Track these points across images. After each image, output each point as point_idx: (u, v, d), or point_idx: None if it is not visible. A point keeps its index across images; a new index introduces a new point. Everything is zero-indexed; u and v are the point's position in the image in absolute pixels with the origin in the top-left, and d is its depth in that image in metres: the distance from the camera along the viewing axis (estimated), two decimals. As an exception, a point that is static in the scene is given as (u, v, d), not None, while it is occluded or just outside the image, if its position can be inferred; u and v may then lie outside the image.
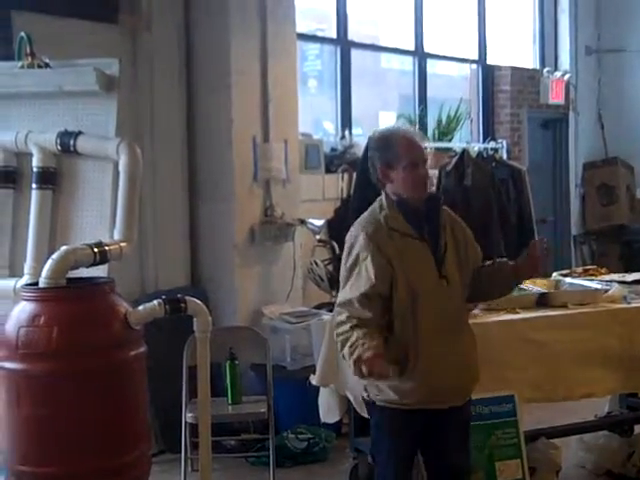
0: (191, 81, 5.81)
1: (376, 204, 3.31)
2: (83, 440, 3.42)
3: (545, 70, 9.40)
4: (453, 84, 9.10)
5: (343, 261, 3.29)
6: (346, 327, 3.15)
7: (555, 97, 9.32)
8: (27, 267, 4.04)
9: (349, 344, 3.11)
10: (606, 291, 4.54)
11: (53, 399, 3.41)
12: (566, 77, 9.49)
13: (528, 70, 9.33)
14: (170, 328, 4.70)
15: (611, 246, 9.52)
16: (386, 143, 3.27)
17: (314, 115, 7.41)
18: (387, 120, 8.18)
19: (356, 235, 3.23)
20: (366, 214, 3.32)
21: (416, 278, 3.19)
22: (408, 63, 8.40)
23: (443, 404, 3.26)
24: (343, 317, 3.18)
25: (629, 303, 4.50)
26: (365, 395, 3.38)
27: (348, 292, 3.21)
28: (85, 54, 4.40)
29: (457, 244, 3.32)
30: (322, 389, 4.67)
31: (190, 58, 5.80)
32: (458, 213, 3.47)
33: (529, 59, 9.73)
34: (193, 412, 4.46)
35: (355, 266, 3.19)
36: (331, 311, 5.20)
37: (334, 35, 7.43)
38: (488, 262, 3.44)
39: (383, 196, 3.30)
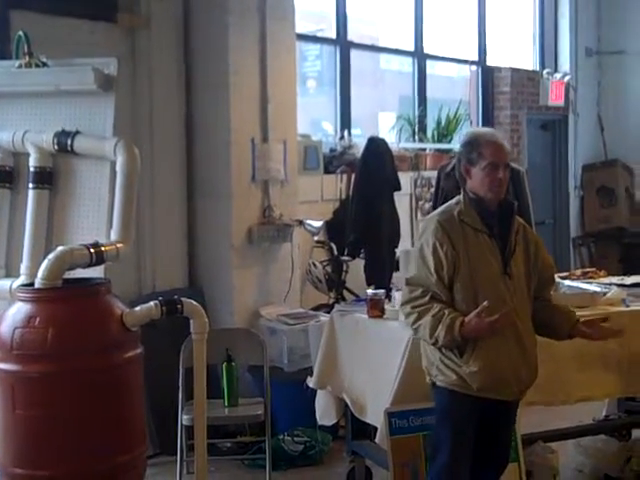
0: (190, 81, 5.78)
1: (453, 200, 3.50)
2: (78, 442, 3.41)
3: (545, 72, 9.40)
4: (453, 85, 9.08)
5: (415, 246, 3.57)
6: (425, 299, 3.33)
7: (555, 99, 9.32)
8: (23, 267, 4.03)
9: (432, 313, 3.29)
10: (605, 294, 4.52)
11: (48, 400, 3.39)
12: (566, 79, 9.48)
13: (528, 71, 9.32)
14: (167, 329, 4.68)
15: (610, 248, 9.51)
16: (472, 141, 3.46)
17: (313, 116, 7.39)
18: (386, 121, 8.18)
19: (428, 224, 3.46)
20: (442, 207, 3.53)
21: (479, 269, 3.35)
22: (407, 64, 8.39)
23: (503, 395, 3.40)
24: (418, 292, 3.36)
25: (628, 306, 4.48)
26: (427, 378, 3.51)
27: (418, 272, 3.40)
28: (83, 53, 4.39)
29: (527, 251, 3.48)
30: (319, 391, 4.66)
31: (189, 58, 5.77)
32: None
33: (529, 60, 9.73)
34: (189, 414, 4.44)
35: (424, 249, 3.39)
36: (328, 312, 5.20)
37: (334, 36, 7.41)
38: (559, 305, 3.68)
39: (463, 191, 3.47)
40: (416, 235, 7.33)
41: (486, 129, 3.82)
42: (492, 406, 3.41)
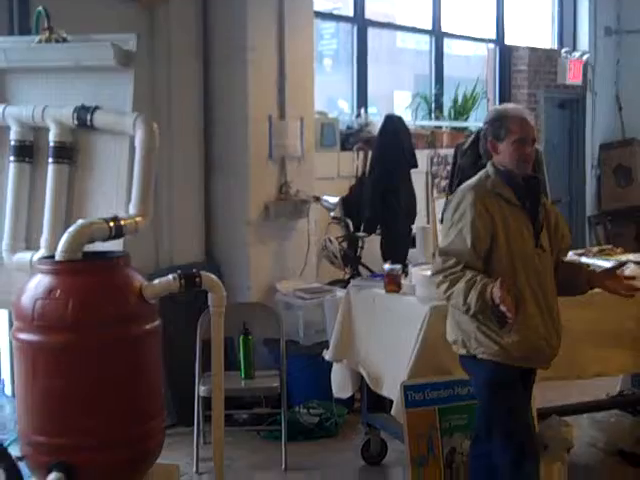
0: (208, 57, 5.81)
1: (483, 173, 3.50)
2: (97, 411, 3.44)
3: (563, 50, 9.34)
4: (469, 64, 9.05)
5: (448, 216, 3.47)
6: (457, 268, 3.32)
7: (573, 77, 9.27)
8: (43, 240, 4.06)
9: (466, 279, 3.28)
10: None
11: (68, 371, 3.42)
12: (584, 57, 9.43)
13: (546, 50, 9.28)
14: (185, 302, 4.73)
15: (626, 227, 9.49)
16: (500, 117, 3.47)
17: (329, 94, 7.40)
18: (401, 99, 8.17)
19: (463, 195, 3.42)
20: (473, 180, 3.51)
21: (515, 242, 3.38)
22: (423, 43, 8.37)
23: (539, 363, 3.50)
24: (452, 262, 3.34)
25: (644, 283, 4.49)
26: (463, 351, 3.48)
27: (454, 242, 3.37)
28: (102, 29, 4.40)
29: (549, 226, 3.53)
30: (335, 364, 4.70)
31: (207, 34, 5.79)
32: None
33: (547, 39, 9.67)
34: (206, 385, 4.50)
35: (462, 220, 3.37)
36: (344, 288, 5.24)
37: (351, 13, 7.40)
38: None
39: (490, 165, 3.49)
40: (431, 211, 7.35)
41: (512, 105, 3.80)
42: (523, 375, 3.48)
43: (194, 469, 4.63)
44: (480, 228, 3.33)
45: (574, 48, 9.58)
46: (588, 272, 3.68)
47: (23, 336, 3.49)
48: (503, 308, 3.19)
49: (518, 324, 3.33)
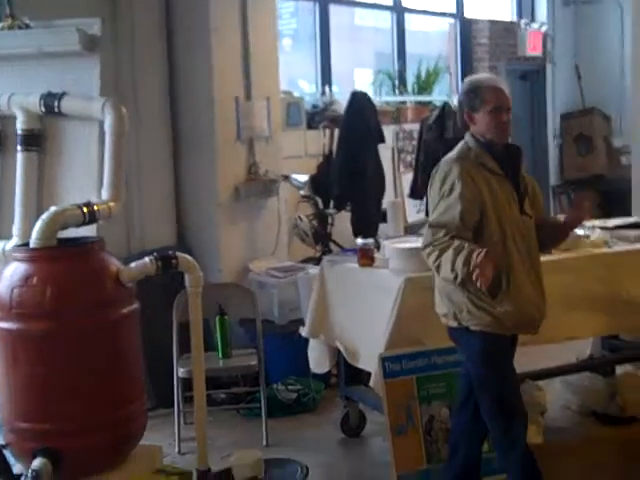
0: (172, 39, 5.79)
1: (463, 144, 3.51)
2: (79, 396, 3.46)
3: (522, 22, 9.42)
4: (430, 40, 9.10)
5: (436, 190, 3.45)
6: (445, 238, 3.32)
7: (532, 49, 9.36)
8: (15, 229, 4.05)
9: (453, 247, 3.28)
10: (589, 236, 4.64)
11: (48, 357, 3.43)
12: (543, 29, 9.51)
13: (505, 23, 9.35)
14: (161, 285, 4.74)
15: (589, 195, 9.61)
16: (474, 88, 3.49)
17: (289, 73, 7.39)
18: (362, 77, 8.19)
19: (449, 168, 3.42)
20: (455, 152, 3.50)
21: (504, 211, 3.41)
22: (382, 20, 8.38)
23: (530, 329, 3.54)
24: (441, 233, 3.34)
25: (611, 247, 4.61)
26: (454, 323, 3.48)
27: (444, 215, 3.37)
28: (64, 13, 4.36)
29: (527, 191, 3.56)
30: (312, 340, 4.75)
31: (170, 16, 5.77)
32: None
33: (507, 11, 9.74)
34: (185, 367, 4.53)
35: (451, 192, 3.37)
36: (317, 265, 5.28)
37: (313, -9, 7.41)
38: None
39: (468, 137, 3.50)
40: (399, 186, 7.42)
41: (485, 75, 3.83)
42: (514, 342, 3.56)
43: (176, 449, 4.66)
44: (469, 200, 3.34)
45: (533, 19, 9.67)
46: (559, 225, 3.74)
47: (2, 325, 3.49)
48: (476, 272, 3.15)
49: (510, 293, 3.37)
